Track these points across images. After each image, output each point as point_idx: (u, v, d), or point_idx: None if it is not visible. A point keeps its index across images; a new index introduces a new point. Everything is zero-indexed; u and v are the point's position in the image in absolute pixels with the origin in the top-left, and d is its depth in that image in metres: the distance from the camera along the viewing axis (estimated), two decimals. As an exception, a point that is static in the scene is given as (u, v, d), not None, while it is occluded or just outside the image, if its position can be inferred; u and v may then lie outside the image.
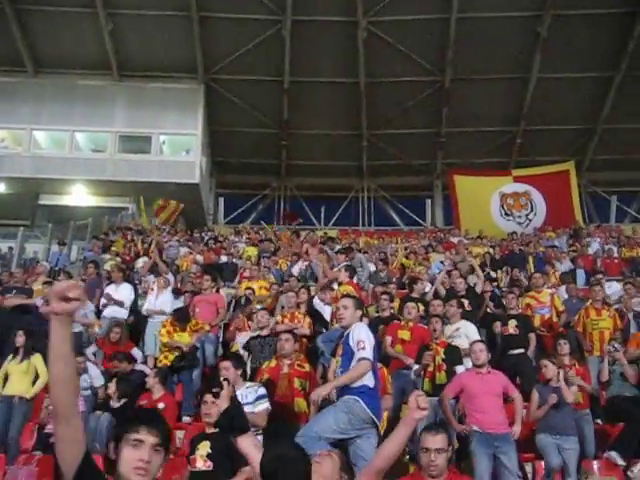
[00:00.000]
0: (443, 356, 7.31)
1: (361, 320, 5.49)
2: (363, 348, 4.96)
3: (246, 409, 5.31)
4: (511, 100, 26.09)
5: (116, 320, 9.78)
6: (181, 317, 8.91)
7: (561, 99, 25.27)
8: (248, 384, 5.85)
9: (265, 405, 5.71)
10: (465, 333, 8.10)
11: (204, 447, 4.91)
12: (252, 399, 5.62)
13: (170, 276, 11.41)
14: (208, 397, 5.19)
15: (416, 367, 7.40)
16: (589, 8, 22.85)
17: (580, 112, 26.32)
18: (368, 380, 4.99)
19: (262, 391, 5.80)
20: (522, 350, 8.60)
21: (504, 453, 5.99)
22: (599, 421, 7.80)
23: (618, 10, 23.22)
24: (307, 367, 6.87)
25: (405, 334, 8.19)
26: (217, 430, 5.01)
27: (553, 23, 23.26)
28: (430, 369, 7.26)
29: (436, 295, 9.75)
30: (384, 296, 9.67)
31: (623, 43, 23.98)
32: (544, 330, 9.59)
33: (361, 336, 5.06)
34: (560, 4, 22.81)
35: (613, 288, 12.13)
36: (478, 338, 7.96)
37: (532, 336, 8.88)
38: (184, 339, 8.65)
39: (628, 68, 24.47)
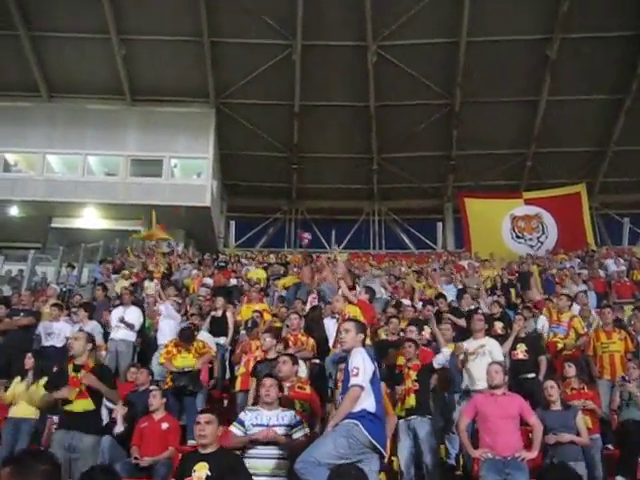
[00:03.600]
0: (415, 378, 7.35)
1: (364, 344, 5.45)
2: (356, 375, 4.96)
3: (279, 430, 5.49)
4: (521, 123, 26.12)
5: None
6: (186, 337, 8.86)
7: (571, 121, 25.26)
8: (282, 408, 5.79)
9: (306, 430, 5.67)
10: (489, 350, 7.98)
11: (202, 469, 4.82)
12: (288, 422, 5.58)
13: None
14: (202, 417, 5.18)
15: (398, 388, 7.48)
16: (598, 31, 22.93)
17: (591, 134, 26.32)
18: (367, 404, 4.96)
19: (299, 418, 5.75)
20: (533, 375, 8.49)
21: None
22: (610, 446, 7.68)
23: (628, 33, 23.27)
24: (308, 389, 6.81)
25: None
26: (214, 451, 5.01)
27: (562, 46, 23.34)
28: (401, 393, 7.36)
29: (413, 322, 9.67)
30: (393, 319, 9.63)
31: (633, 65, 24.03)
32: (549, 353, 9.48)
33: (356, 362, 5.04)
34: (569, 27, 22.86)
35: None
36: (502, 358, 7.85)
37: (542, 359, 8.77)
38: (188, 361, 8.59)
39: (638, 90, 24.46)
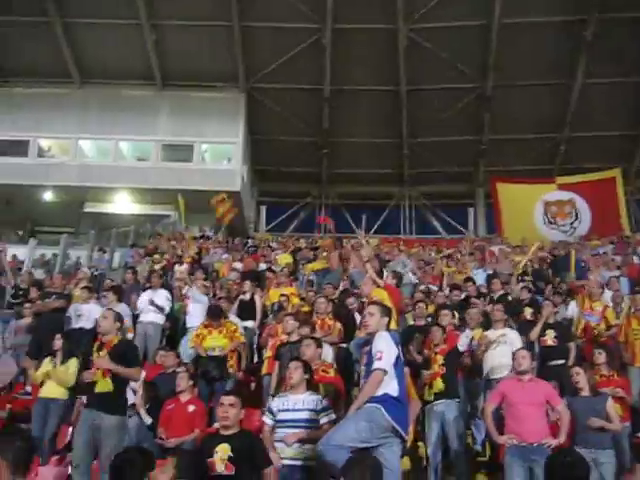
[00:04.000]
0: (442, 362, 7.34)
1: (388, 328, 5.42)
2: (379, 359, 4.96)
3: (307, 415, 5.50)
4: (554, 106, 25.67)
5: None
6: (214, 314, 8.87)
7: (606, 105, 24.79)
8: (310, 392, 5.79)
9: (333, 416, 5.66)
10: (511, 340, 7.95)
11: (224, 450, 4.83)
12: (314, 407, 5.58)
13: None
14: (225, 399, 5.21)
15: (426, 373, 7.46)
16: (634, 11, 22.36)
17: (626, 118, 25.79)
18: (390, 388, 4.95)
19: (325, 402, 5.75)
20: (562, 361, 8.39)
21: (541, 467, 5.55)
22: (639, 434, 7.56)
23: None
24: (332, 372, 6.81)
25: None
26: (236, 432, 5.03)
27: (598, 27, 22.81)
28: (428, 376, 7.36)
29: (444, 306, 9.59)
30: (420, 304, 9.58)
31: (671, 46, 23.42)
32: (583, 337, 9.35)
33: (379, 346, 5.04)
34: (605, 8, 22.35)
35: None
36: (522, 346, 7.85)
37: (572, 346, 8.69)
38: (219, 341, 8.60)
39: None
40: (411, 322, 9.80)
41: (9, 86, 25.77)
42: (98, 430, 5.89)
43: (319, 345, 6.84)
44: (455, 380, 7.44)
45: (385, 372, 4.94)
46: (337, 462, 4.46)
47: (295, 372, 5.77)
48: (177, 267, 14.22)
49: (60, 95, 25.51)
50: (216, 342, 8.63)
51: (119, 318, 6.50)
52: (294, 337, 7.82)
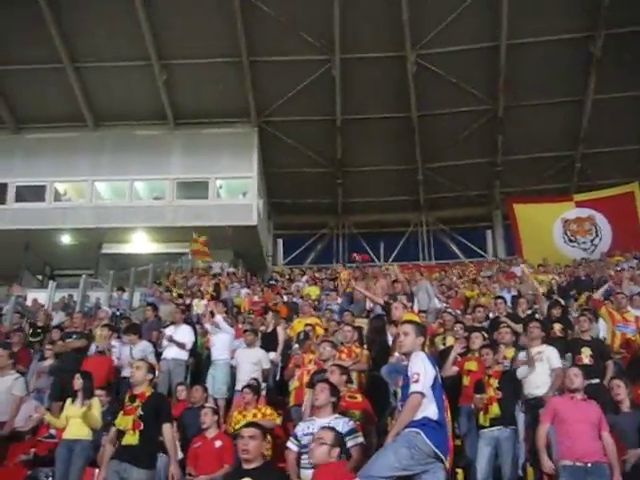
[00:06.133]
0: (497, 385, 7.01)
1: (423, 348, 5.22)
2: (416, 381, 4.72)
3: None
4: (568, 124, 25.56)
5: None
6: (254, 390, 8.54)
7: (619, 119, 24.61)
8: (337, 415, 5.62)
9: (360, 440, 5.48)
10: (548, 357, 7.72)
11: None
12: (340, 429, 5.33)
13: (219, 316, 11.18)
14: (245, 432, 5.03)
15: (477, 397, 7.13)
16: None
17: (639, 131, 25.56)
18: (429, 412, 4.73)
19: (352, 425, 5.57)
20: (598, 380, 8.12)
21: None
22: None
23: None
24: (359, 398, 6.62)
25: (472, 364, 7.99)
26: (258, 466, 4.86)
27: (606, 42, 22.79)
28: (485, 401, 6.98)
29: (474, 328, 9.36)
30: (458, 325, 9.44)
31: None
32: (624, 351, 9.05)
33: (416, 367, 4.82)
34: (612, 23, 22.35)
35: None
36: (560, 364, 7.67)
37: (609, 364, 8.33)
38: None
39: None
40: (441, 346, 9.62)
41: (24, 132, 26.06)
42: None
43: (344, 372, 6.64)
44: (512, 405, 7.08)
45: (423, 395, 4.72)
46: None
47: (321, 394, 5.59)
48: (196, 301, 14.15)
49: (74, 139, 25.71)
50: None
51: (151, 369, 6.45)
52: (329, 364, 7.64)
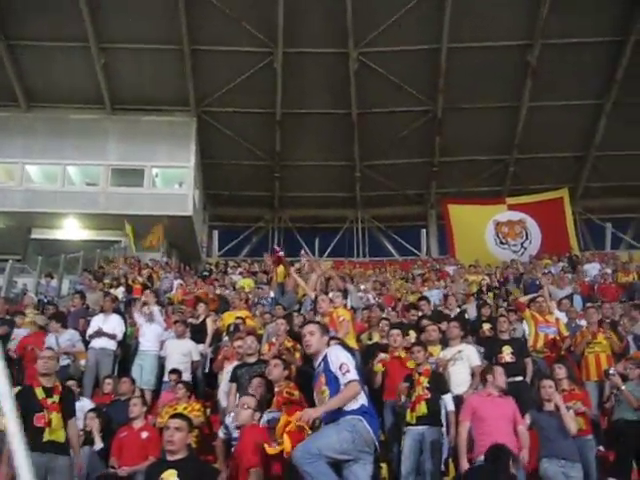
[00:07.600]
0: (427, 385, 7.07)
1: (328, 345, 5.23)
2: (348, 371, 4.71)
3: None
4: (503, 129, 26.12)
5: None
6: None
7: (553, 127, 25.26)
8: (270, 410, 5.72)
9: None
10: (467, 356, 7.89)
11: (170, 476, 4.58)
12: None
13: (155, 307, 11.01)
14: (171, 422, 4.95)
15: (403, 384, 7.26)
16: (577, 37, 23.03)
17: (572, 140, 26.34)
18: (365, 400, 4.77)
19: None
20: (520, 378, 8.34)
21: None
22: (601, 448, 7.55)
23: (605, 38, 23.38)
24: (297, 394, 6.62)
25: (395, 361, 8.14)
26: (183, 457, 4.80)
27: (543, 52, 23.40)
28: (412, 399, 7.05)
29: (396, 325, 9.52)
30: (384, 322, 9.53)
31: (612, 70, 24.11)
32: (547, 350, 9.33)
33: (341, 359, 4.81)
34: (549, 33, 22.94)
35: None
36: (479, 362, 7.90)
37: (528, 361, 8.61)
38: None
39: (618, 95, 24.55)
40: (367, 341, 9.74)
41: (-48, 110, 25.06)
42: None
43: (286, 367, 6.63)
44: (439, 405, 7.09)
45: (359, 382, 4.75)
46: (313, 475, 4.28)
47: (258, 390, 5.64)
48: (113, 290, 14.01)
49: (5, 119, 24.87)
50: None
51: (57, 357, 6.52)
52: (253, 359, 7.60)
